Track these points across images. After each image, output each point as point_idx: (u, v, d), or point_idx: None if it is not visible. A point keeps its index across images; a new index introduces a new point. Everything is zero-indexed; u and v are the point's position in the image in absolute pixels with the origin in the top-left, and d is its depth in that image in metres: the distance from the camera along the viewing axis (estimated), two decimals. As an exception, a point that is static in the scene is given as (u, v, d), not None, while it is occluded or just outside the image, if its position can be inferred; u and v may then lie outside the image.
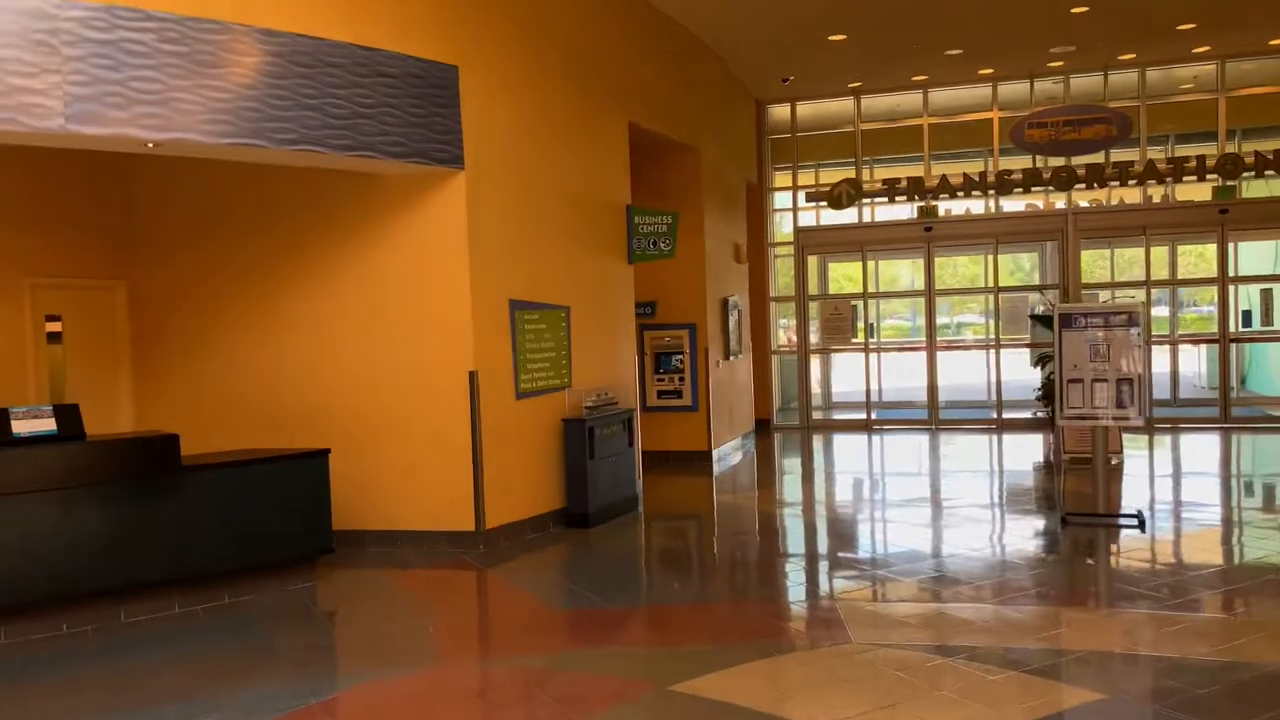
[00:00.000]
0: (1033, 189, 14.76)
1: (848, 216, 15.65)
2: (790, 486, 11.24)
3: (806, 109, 16.13)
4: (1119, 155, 14.51)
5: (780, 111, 16.23)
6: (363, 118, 6.97)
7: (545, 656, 5.34)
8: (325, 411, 8.00)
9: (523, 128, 8.43)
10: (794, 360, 16.22)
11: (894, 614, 5.87)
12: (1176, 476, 11.06)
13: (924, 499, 9.83)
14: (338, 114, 6.83)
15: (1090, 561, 7.16)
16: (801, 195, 16.04)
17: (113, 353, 8.69)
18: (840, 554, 7.82)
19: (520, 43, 8.46)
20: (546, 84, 8.77)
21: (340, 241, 8.05)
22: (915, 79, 15.01)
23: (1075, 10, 11.82)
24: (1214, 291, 14.82)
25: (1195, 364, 17.41)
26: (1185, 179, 14.20)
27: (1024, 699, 4.46)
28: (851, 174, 15.60)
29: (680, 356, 12.37)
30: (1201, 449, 12.60)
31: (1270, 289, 15.68)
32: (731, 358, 13.41)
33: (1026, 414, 14.78)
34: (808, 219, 16.13)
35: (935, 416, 15.25)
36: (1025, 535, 8.16)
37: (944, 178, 14.84)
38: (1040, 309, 14.78)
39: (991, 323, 15.80)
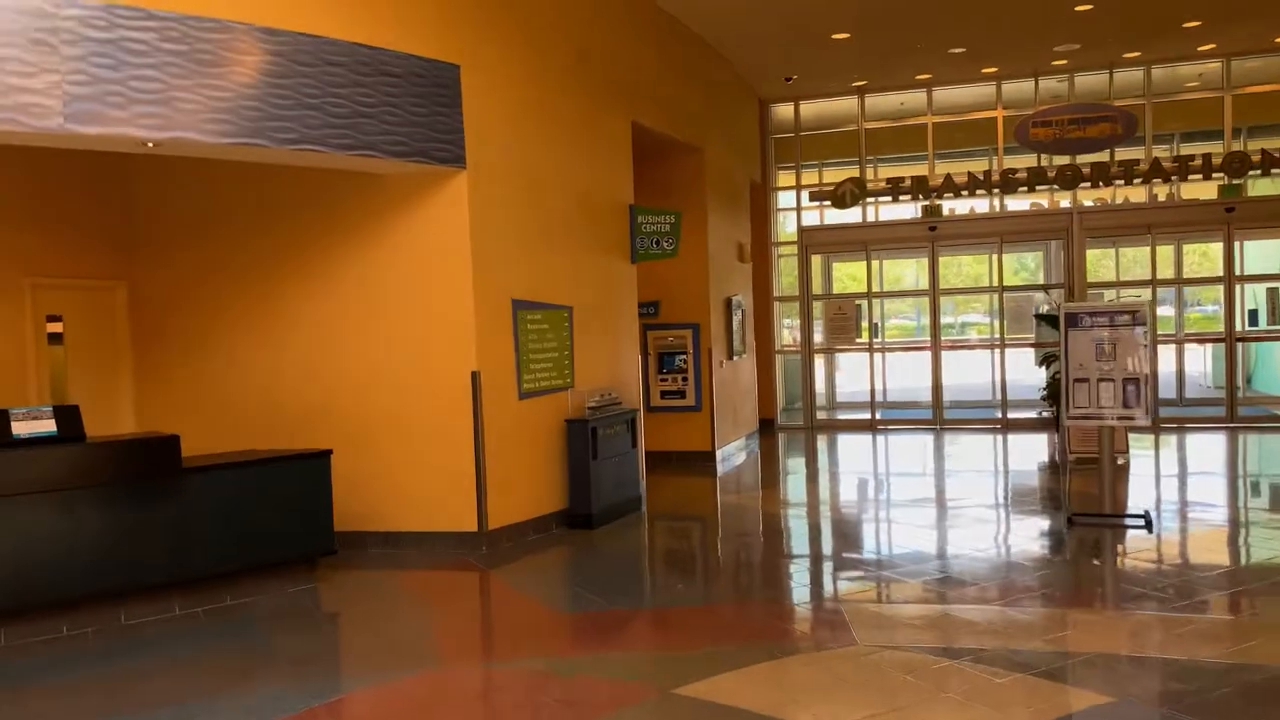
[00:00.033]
0: (1037, 188, 14.70)
1: (852, 216, 15.59)
2: (794, 487, 11.19)
3: (810, 108, 16.07)
4: (1124, 154, 14.45)
5: (784, 110, 16.18)
6: (364, 117, 6.94)
7: (548, 659, 5.30)
8: (327, 412, 7.96)
9: (525, 127, 8.39)
10: (798, 360, 16.17)
11: (899, 615, 5.82)
12: (1183, 476, 10.99)
13: (929, 499, 9.77)
14: (339, 113, 6.79)
15: (1097, 562, 7.11)
16: (805, 194, 15.99)
17: (113, 353, 8.67)
18: (845, 555, 7.77)
19: (523, 41, 8.42)
20: (549, 83, 8.73)
21: (342, 241, 8.02)
22: (919, 77, 14.96)
23: (1080, 8, 11.76)
24: (1218, 290, 14.75)
25: (1201, 363, 17.33)
26: (1191, 177, 14.13)
27: (1031, 702, 4.41)
28: (855, 173, 15.54)
29: (684, 356, 12.32)
30: (1208, 449, 12.53)
31: (1277, 288, 15.60)
32: (735, 358, 13.36)
33: (1031, 414, 14.71)
34: (811, 218, 16.08)
35: (940, 416, 15.19)
36: (1031, 536, 8.10)
37: (948, 177, 14.79)
38: (1045, 308, 14.70)
39: (996, 322, 15.73)
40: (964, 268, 19.04)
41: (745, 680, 4.79)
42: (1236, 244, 14.32)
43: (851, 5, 11.48)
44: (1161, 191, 14.73)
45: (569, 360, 8.85)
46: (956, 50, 13.45)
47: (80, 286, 8.42)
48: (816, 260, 16.27)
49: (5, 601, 5.75)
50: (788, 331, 16.84)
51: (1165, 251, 15.77)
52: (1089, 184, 14.41)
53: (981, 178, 14.67)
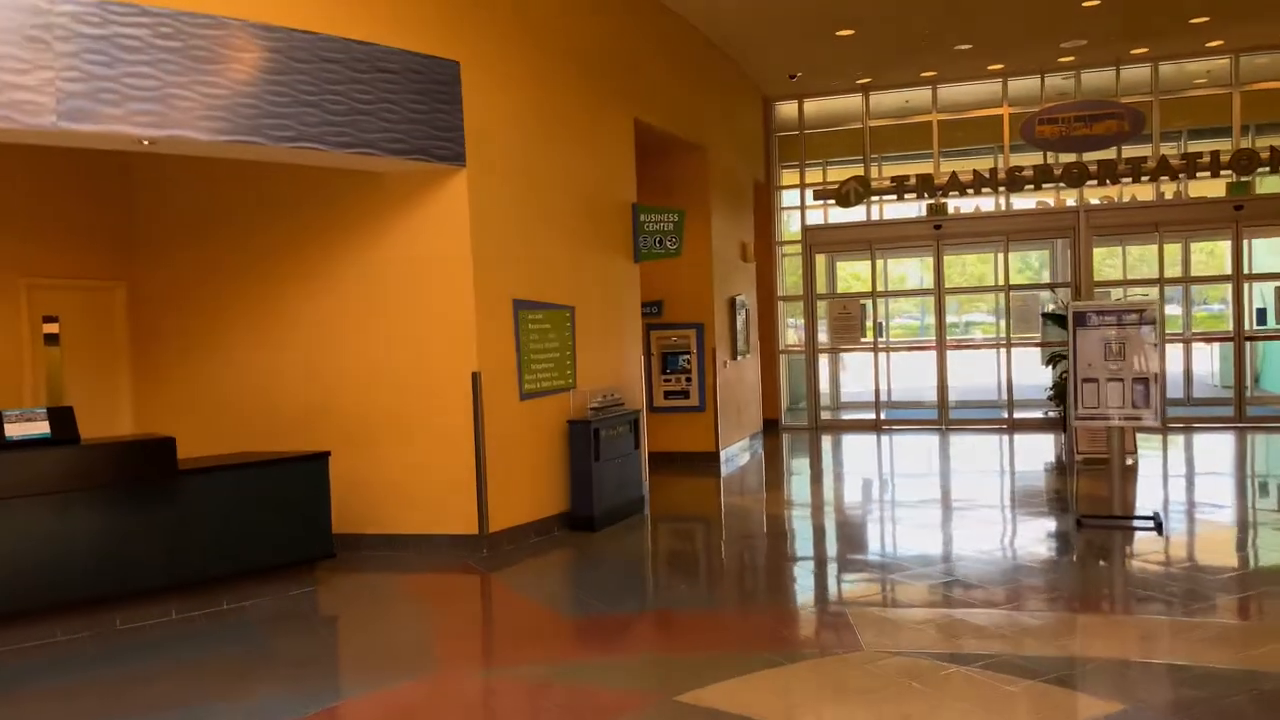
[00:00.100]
0: (1044, 186, 14.59)
1: (856, 214, 15.47)
2: (799, 488, 11.10)
3: (814, 106, 15.97)
4: (1131, 151, 14.32)
5: (788, 109, 16.08)
6: (362, 114, 6.86)
7: (549, 665, 5.21)
8: (326, 412, 7.88)
9: (526, 124, 8.30)
10: (802, 360, 16.07)
11: (906, 619, 5.72)
12: (1193, 477, 10.88)
13: (935, 500, 9.67)
14: (337, 110, 6.71)
15: (1106, 565, 7.01)
16: (809, 193, 15.89)
17: (112, 354, 8.59)
18: (850, 557, 7.67)
19: (524, 38, 8.33)
20: (551, 80, 8.64)
21: (341, 240, 7.93)
22: (924, 75, 14.85)
23: (1086, 4, 11.66)
24: (1224, 289, 14.62)
25: (1208, 363, 17.20)
26: (1199, 175, 14.00)
27: (1040, 710, 4.32)
28: (860, 171, 15.44)
29: (687, 356, 12.24)
30: (1217, 449, 12.41)
31: (1285, 286, 15.47)
32: (739, 357, 13.27)
33: (1038, 414, 14.59)
34: (816, 217, 15.98)
35: (945, 417, 15.08)
36: (1039, 538, 8.00)
37: (954, 175, 14.68)
38: (1051, 307, 14.59)
39: (1002, 322, 15.62)
40: (968, 267, 18.92)
41: (749, 687, 4.70)
42: (1245, 242, 14.17)
43: (856, 1, 11.38)
44: (1169, 189, 14.60)
45: (571, 360, 8.76)
46: (962, 47, 13.35)
47: (78, 287, 8.35)
48: (821, 259, 16.17)
49: (-1, 605, 5.68)
50: (792, 331, 16.74)
51: (1172, 250, 15.64)
52: (1095, 182, 14.30)
53: (987, 176, 14.56)
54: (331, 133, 6.69)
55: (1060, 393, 12.22)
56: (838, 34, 12.47)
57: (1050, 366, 13.36)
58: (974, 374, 16.13)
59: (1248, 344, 14.61)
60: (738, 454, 12.97)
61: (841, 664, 4.95)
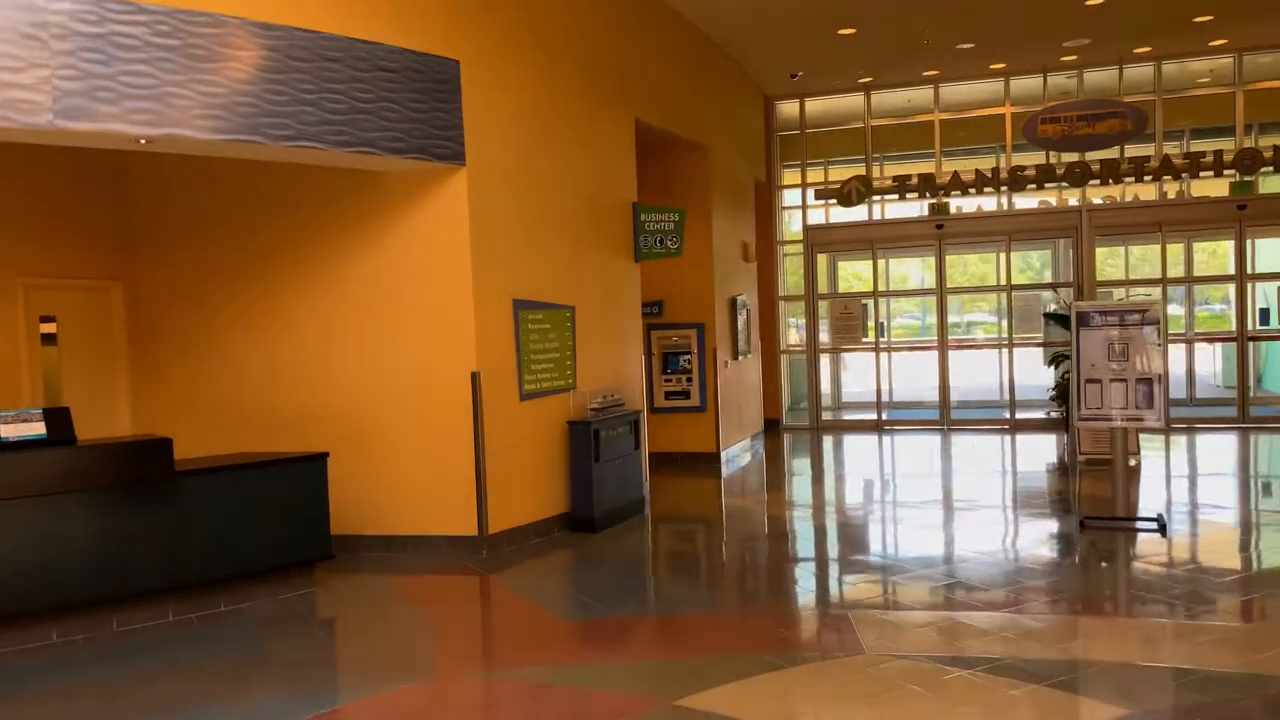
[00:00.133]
0: (1046, 185, 14.54)
1: (858, 214, 15.42)
2: (800, 489, 11.05)
3: (816, 105, 15.92)
4: (1134, 150, 14.26)
5: (789, 108, 16.03)
6: (361, 113, 6.81)
7: (549, 669, 5.16)
8: (325, 413, 7.84)
9: (527, 124, 8.25)
10: (803, 360, 16.02)
11: (908, 622, 5.67)
12: (1197, 478, 10.82)
13: (937, 501, 9.63)
14: (336, 109, 6.67)
15: (1110, 567, 6.96)
16: (811, 193, 15.83)
17: (109, 354, 8.55)
18: (852, 559, 7.62)
19: (525, 37, 8.28)
20: (551, 79, 8.60)
21: (340, 240, 7.89)
22: (926, 74, 14.80)
23: (1089, 2, 11.60)
24: (1226, 289, 14.55)
25: (1210, 363, 17.14)
26: (1202, 174, 13.94)
27: (1044, 715, 4.28)
28: (861, 171, 15.39)
29: (688, 356, 12.19)
30: (1221, 450, 12.36)
31: (1288, 286, 15.42)
32: (740, 357, 13.22)
33: (1039, 414, 14.54)
34: (817, 217, 15.93)
35: (947, 417, 15.03)
36: (1042, 539, 7.95)
37: (955, 174, 14.63)
38: (1053, 307, 14.54)
39: (1004, 322, 15.57)
40: (969, 267, 18.86)
41: (750, 691, 4.65)
42: (1248, 242, 14.12)
43: (858, 0, 11.32)
44: (1171, 189, 14.54)
45: (571, 361, 8.72)
46: (965, 46, 13.30)
47: (76, 286, 8.30)
48: (822, 259, 16.12)
49: (-5, 607, 5.64)
50: (795, 331, 16.69)
51: (1174, 250, 15.58)
52: (1098, 181, 14.24)
53: (989, 175, 14.51)
54: (330, 131, 6.64)
55: (1062, 393, 12.17)
56: (839, 33, 12.42)
57: (1052, 367, 13.31)
58: (976, 374, 16.08)
59: (1250, 344, 14.56)
60: (739, 454, 12.93)
61: (843, 667, 4.90)
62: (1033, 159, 14.72)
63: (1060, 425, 13.07)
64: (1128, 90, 14.52)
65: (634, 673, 5.13)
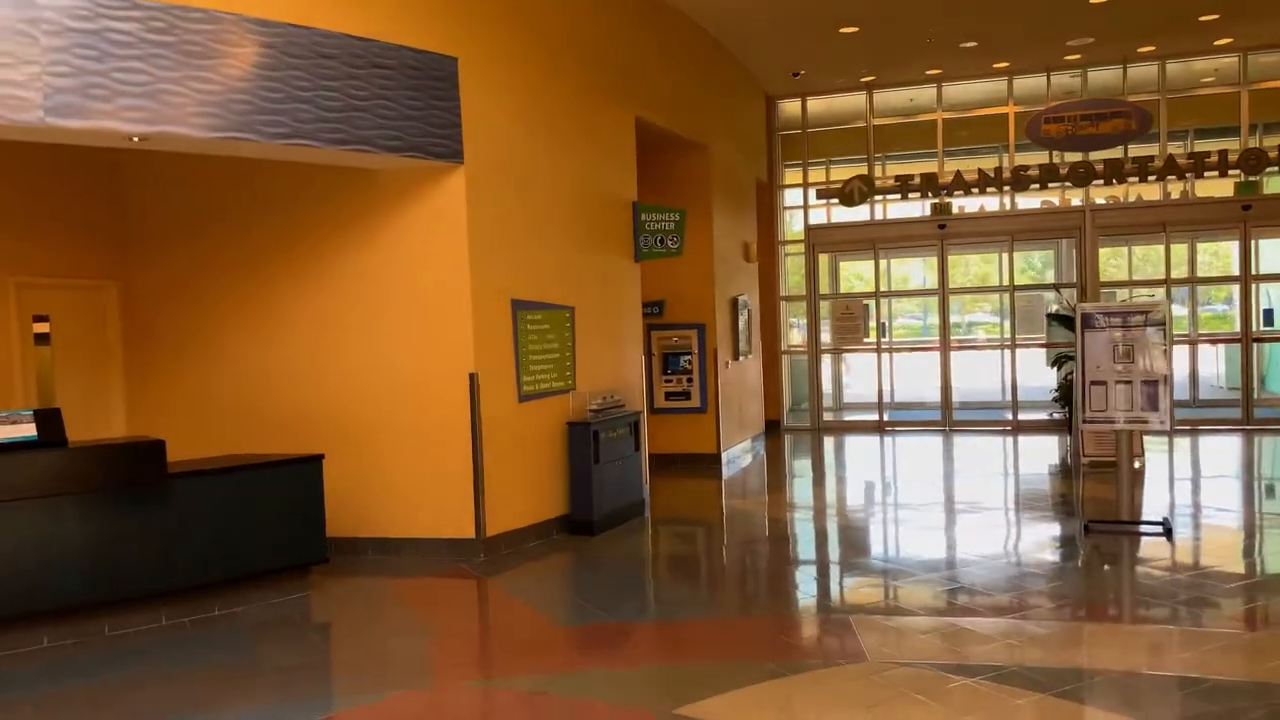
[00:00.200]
0: (1049, 185, 14.45)
1: (859, 214, 15.34)
2: (801, 490, 10.98)
3: (818, 104, 15.83)
4: (1138, 150, 14.17)
5: (791, 107, 15.94)
6: (358, 111, 6.73)
7: (546, 676, 5.08)
8: (320, 414, 7.76)
9: (525, 122, 8.17)
10: (804, 360, 15.94)
11: (911, 628, 5.58)
12: (1202, 481, 10.74)
13: (939, 504, 9.55)
14: (332, 107, 6.59)
15: (1115, 573, 6.88)
16: (812, 192, 15.75)
17: (104, 354, 8.47)
18: (854, 563, 7.55)
19: (523, 34, 8.20)
20: (551, 77, 8.51)
21: (336, 239, 7.81)
22: (929, 73, 14.71)
23: (1094, 0, 11.50)
24: (1228, 290, 14.46)
25: (1214, 364, 17.05)
26: (1206, 175, 13.86)
27: (1052, 726, 4.20)
28: (863, 170, 15.30)
29: (689, 357, 12.11)
30: (1226, 452, 12.27)
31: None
32: (741, 358, 13.14)
33: (1042, 415, 14.47)
34: (818, 216, 15.84)
35: (949, 418, 14.95)
36: (1046, 544, 7.87)
37: (958, 174, 14.54)
38: (1055, 308, 14.46)
39: (1006, 322, 15.49)
40: (970, 267, 18.77)
41: (750, 700, 4.57)
42: (1253, 242, 14.03)
43: (860, -2, 11.27)
44: (1176, 189, 14.46)
45: (570, 362, 8.63)
46: (968, 44, 13.21)
47: (70, 286, 8.23)
48: (824, 259, 16.04)
49: (-16, 611, 5.56)
50: (797, 332, 16.61)
51: (1178, 250, 15.50)
52: (1102, 181, 14.16)
53: (992, 175, 14.43)
54: (326, 129, 6.56)
55: (1065, 394, 12.08)
56: (841, 31, 12.33)
57: (1055, 368, 13.22)
58: (978, 375, 15.99)
59: (1254, 345, 14.48)
60: (739, 455, 12.85)
61: (845, 675, 4.82)
62: (1036, 159, 14.63)
63: (1063, 427, 12.99)
64: (1132, 89, 14.42)
65: (632, 680, 5.05)
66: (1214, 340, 16.79)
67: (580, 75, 8.99)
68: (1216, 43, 13.69)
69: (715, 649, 5.49)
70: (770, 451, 13.59)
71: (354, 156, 6.95)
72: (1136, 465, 10.21)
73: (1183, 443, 12.70)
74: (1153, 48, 13.82)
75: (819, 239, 15.44)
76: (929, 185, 14.65)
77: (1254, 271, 14.17)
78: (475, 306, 7.51)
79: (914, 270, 18.51)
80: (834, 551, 7.96)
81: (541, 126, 8.38)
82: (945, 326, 15.06)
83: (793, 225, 16.47)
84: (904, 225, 15.35)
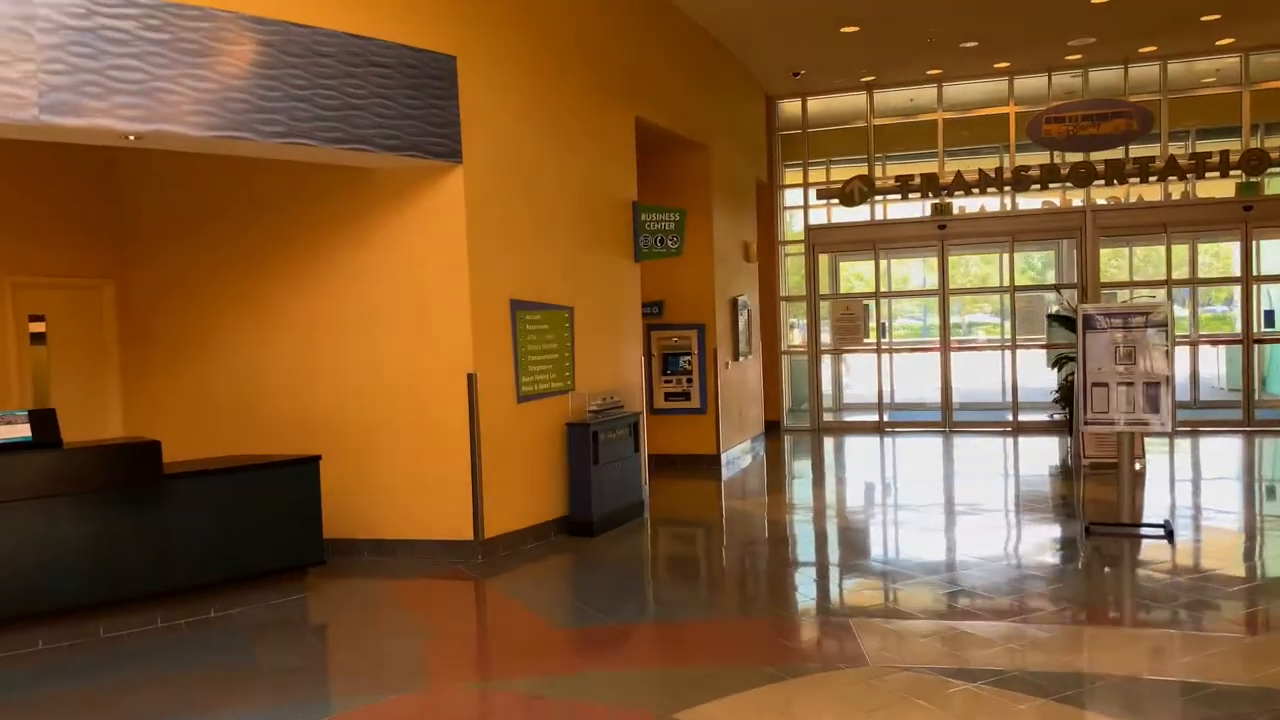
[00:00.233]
0: (1050, 186, 14.41)
1: (860, 214, 15.30)
2: (801, 491, 10.93)
3: (818, 104, 15.79)
4: (1139, 151, 14.13)
5: (791, 107, 15.90)
6: (355, 109, 6.69)
7: (543, 679, 5.04)
8: (318, 415, 7.72)
9: (524, 121, 8.13)
10: (804, 361, 15.90)
11: (912, 632, 5.54)
12: (1203, 483, 10.70)
13: (940, 506, 9.51)
14: (329, 105, 6.54)
15: (1117, 575, 6.84)
16: (813, 192, 15.71)
17: (100, 354, 8.43)
18: (854, 565, 7.51)
19: (523, 33, 8.16)
20: (550, 76, 8.47)
21: (333, 238, 7.77)
22: (930, 73, 14.67)
23: (1096, 0, 11.47)
24: (1228, 290, 14.42)
25: (1214, 365, 17.02)
26: (1207, 175, 13.81)
27: (1054, 731, 4.16)
28: (864, 170, 15.25)
29: (688, 357, 12.07)
30: (1226, 453, 12.23)
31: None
32: (741, 358, 13.10)
33: (1043, 416, 14.43)
34: (819, 217, 15.80)
35: (949, 419, 14.91)
36: (1047, 546, 7.83)
37: (959, 174, 14.50)
38: (1054, 309, 14.42)
39: (1007, 323, 15.45)
40: (970, 268, 18.73)
41: (750, 704, 4.53)
42: (1254, 243, 13.99)
43: (861, -2, 11.22)
44: (1177, 190, 14.42)
45: (569, 362, 8.59)
46: (968, 44, 13.17)
47: (65, 285, 8.19)
48: (824, 259, 16.01)
49: (-22, 613, 5.52)
50: (798, 332, 16.57)
51: (1179, 251, 15.46)
52: (1103, 182, 14.11)
53: (993, 175, 14.39)
54: (323, 128, 6.52)
55: (1066, 395, 12.04)
56: (842, 31, 12.29)
57: (1055, 369, 13.19)
58: (978, 376, 15.95)
59: (1256, 346, 14.44)
60: (739, 456, 12.81)
61: (846, 679, 4.78)
62: (1037, 159, 14.59)
63: (1063, 428, 12.94)
64: (1133, 90, 14.38)
65: (631, 683, 5.01)
66: (1214, 341, 16.75)
67: (580, 74, 8.95)
68: (1218, 43, 13.65)
69: (714, 652, 5.45)
70: (770, 452, 13.56)
71: (352, 155, 6.90)
72: (1137, 467, 10.17)
73: (1183, 444, 12.65)
74: (1154, 48, 13.78)
75: (819, 239, 15.40)
76: (929, 185, 14.61)
77: (1255, 272, 14.13)
78: (474, 306, 7.47)
79: (914, 271, 18.47)
80: (834, 553, 7.92)
81: (541, 126, 8.34)
82: (945, 327, 15.02)
83: (793, 225, 16.43)
84: (904, 225, 15.31)
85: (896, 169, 15.60)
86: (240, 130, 6.15)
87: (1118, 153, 14.08)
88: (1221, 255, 16.86)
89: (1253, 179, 13.68)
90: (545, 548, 7.97)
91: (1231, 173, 13.66)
